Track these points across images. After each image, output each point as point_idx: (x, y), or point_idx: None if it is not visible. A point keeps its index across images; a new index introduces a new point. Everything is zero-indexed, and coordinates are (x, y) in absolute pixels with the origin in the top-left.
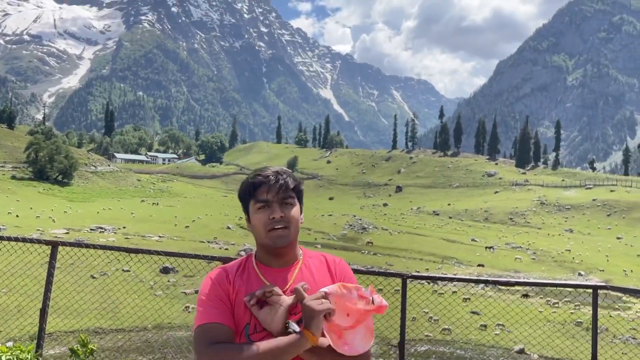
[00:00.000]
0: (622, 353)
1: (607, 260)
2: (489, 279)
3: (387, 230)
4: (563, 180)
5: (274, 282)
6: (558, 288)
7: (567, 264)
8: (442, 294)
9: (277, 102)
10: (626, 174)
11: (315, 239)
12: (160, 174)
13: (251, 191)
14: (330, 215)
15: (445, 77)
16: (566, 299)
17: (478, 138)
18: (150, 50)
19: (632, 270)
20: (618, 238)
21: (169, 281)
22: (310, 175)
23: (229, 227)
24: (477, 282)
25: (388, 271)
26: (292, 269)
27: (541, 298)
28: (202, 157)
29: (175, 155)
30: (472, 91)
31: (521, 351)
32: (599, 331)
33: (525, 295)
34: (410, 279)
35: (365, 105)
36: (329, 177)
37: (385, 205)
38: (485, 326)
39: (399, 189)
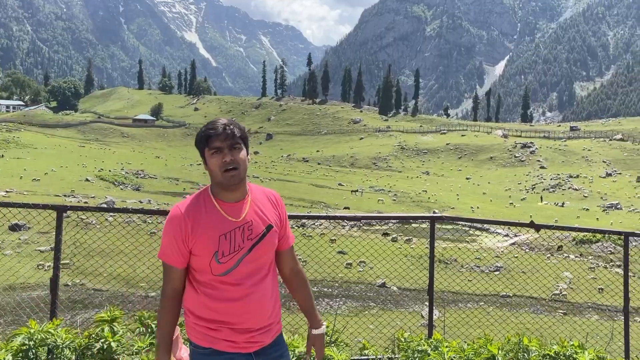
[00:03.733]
0: (468, 280)
1: (458, 198)
2: (347, 215)
3: (257, 177)
4: (421, 126)
5: (230, 214)
6: (413, 225)
7: (424, 204)
8: (311, 237)
9: (138, 45)
10: (475, 119)
11: (184, 189)
12: (4, 122)
13: (204, 140)
14: (200, 164)
15: (313, 24)
16: (422, 235)
17: (344, 86)
18: None
19: (478, 207)
20: (467, 178)
21: (19, 239)
22: (176, 123)
23: (87, 180)
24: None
25: None
26: (244, 203)
27: (400, 235)
28: (54, 104)
29: (21, 102)
30: (339, 39)
31: (382, 285)
32: (448, 262)
33: (386, 234)
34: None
35: (233, 51)
36: (197, 125)
37: (256, 153)
38: (350, 264)
39: (269, 136)
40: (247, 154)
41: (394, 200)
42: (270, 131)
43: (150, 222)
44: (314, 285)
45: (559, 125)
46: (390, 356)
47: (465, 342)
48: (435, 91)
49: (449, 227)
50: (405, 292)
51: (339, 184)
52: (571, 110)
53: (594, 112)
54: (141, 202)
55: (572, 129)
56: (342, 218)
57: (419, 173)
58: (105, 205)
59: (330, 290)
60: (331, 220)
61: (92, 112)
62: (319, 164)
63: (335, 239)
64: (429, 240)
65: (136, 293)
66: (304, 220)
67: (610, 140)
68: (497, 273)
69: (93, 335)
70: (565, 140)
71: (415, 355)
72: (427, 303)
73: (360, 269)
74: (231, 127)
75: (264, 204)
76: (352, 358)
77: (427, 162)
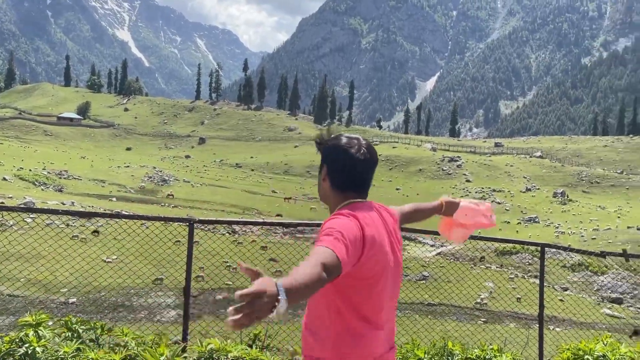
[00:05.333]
0: None
1: None
2: (275, 221)
3: (189, 182)
4: None
5: None
6: None
7: None
8: (241, 243)
9: (65, 40)
10: (406, 132)
11: (110, 191)
12: None
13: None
14: (128, 166)
15: (250, 30)
16: None
17: (280, 93)
18: None
19: None
20: (397, 189)
21: None
22: (105, 123)
23: (5, 179)
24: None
25: (176, 217)
26: None
27: None
28: None
29: None
30: (276, 46)
31: None
32: None
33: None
34: (198, 224)
35: (167, 52)
36: (127, 126)
37: (187, 157)
38: (280, 272)
39: (202, 140)
40: (324, 174)
41: (326, 208)
42: (204, 135)
43: (74, 225)
44: None
45: (485, 141)
46: None
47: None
48: (369, 103)
49: None
50: None
51: (273, 191)
52: (496, 127)
53: (517, 129)
54: (64, 204)
55: (496, 145)
56: (275, 224)
57: None
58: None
59: None
60: (263, 227)
61: (13, 107)
62: (252, 170)
63: (266, 246)
64: None
65: (56, 299)
66: (235, 227)
67: (531, 157)
68: (423, 282)
69: (16, 340)
70: (490, 156)
71: None
72: None
73: None
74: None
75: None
76: None
77: None
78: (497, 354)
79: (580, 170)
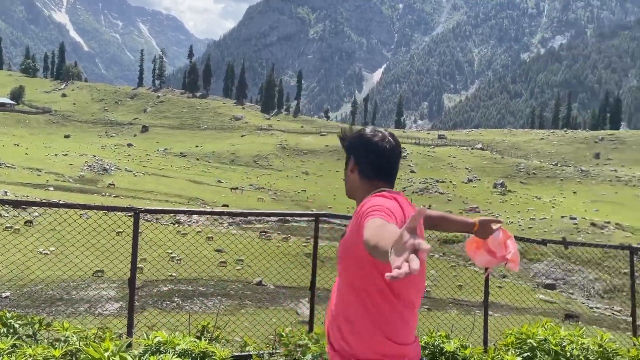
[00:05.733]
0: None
1: (335, 198)
2: (224, 210)
3: (131, 171)
4: (302, 127)
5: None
6: (295, 223)
7: (303, 203)
8: (186, 234)
9: None
10: (353, 123)
11: (47, 180)
12: None
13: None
14: (66, 155)
15: (195, 16)
16: (300, 234)
17: (227, 82)
18: None
19: (353, 207)
20: (343, 179)
21: None
22: (40, 109)
23: None
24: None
25: (121, 206)
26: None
27: (278, 234)
28: None
29: None
30: (222, 33)
31: (259, 283)
32: (324, 260)
33: (264, 232)
34: (144, 214)
35: (108, 36)
36: (65, 112)
37: (129, 145)
38: (226, 262)
39: (144, 128)
40: (352, 165)
41: (274, 198)
42: (147, 123)
43: (7, 215)
44: (188, 283)
45: (429, 133)
46: (271, 351)
47: None
48: (317, 93)
49: (326, 225)
50: (281, 289)
51: (219, 181)
52: (440, 119)
53: (460, 122)
54: None
55: (439, 137)
56: (221, 214)
57: (298, 173)
58: None
59: (205, 289)
60: (209, 217)
61: None
62: (197, 159)
63: (212, 237)
64: (306, 238)
65: None
66: (179, 217)
67: (472, 149)
68: None
69: None
70: (433, 147)
71: (297, 350)
72: (302, 300)
73: (238, 267)
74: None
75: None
76: (233, 354)
77: (307, 163)
78: (445, 340)
79: (518, 162)
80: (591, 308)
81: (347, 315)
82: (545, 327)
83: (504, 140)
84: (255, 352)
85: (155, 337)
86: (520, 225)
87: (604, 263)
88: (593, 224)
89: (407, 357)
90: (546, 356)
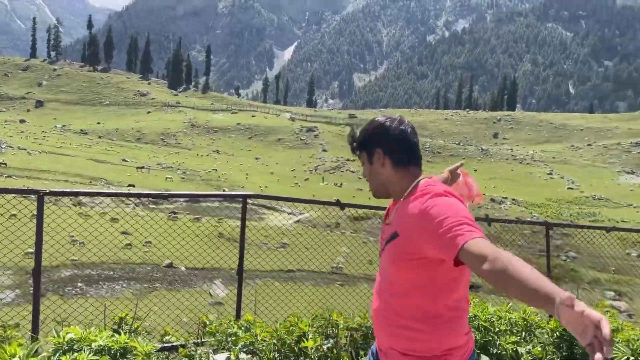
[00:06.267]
0: (256, 257)
1: (247, 177)
2: (133, 192)
3: (25, 149)
4: (212, 103)
5: (386, 214)
6: (207, 203)
7: (214, 182)
8: (89, 216)
9: None
10: (265, 101)
11: None
12: None
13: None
14: None
15: None
16: (210, 214)
17: (130, 55)
18: None
19: (266, 186)
20: (256, 158)
21: None
22: None
23: None
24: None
25: (22, 188)
26: (395, 205)
27: (188, 214)
28: None
29: None
30: (124, 4)
31: (169, 265)
32: (237, 240)
33: (173, 213)
34: (48, 196)
35: None
36: None
37: (22, 121)
38: (132, 245)
39: (39, 103)
40: (381, 158)
41: (183, 178)
42: (41, 98)
43: None
44: (92, 268)
45: (340, 112)
46: (196, 341)
47: (277, 322)
48: (227, 70)
49: (239, 205)
50: (193, 271)
51: (123, 160)
52: (350, 99)
53: (369, 102)
54: None
55: (350, 116)
56: (139, 195)
57: (209, 151)
58: None
59: (112, 273)
60: (113, 198)
61: None
62: (99, 137)
63: (117, 219)
64: (219, 218)
65: None
66: (80, 198)
67: None
68: (283, 249)
69: None
70: (344, 126)
71: (227, 339)
72: (215, 282)
73: (146, 250)
74: (349, 137)
75: (408, 210)
76: (157, 348)
77: (217, 141)
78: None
79: (425, 141)
80: None
81: (413, 314)
82: (473, 303)
83: (411, 119)
84: (180, 343)
85: (68, 333)
86: None
87: (502, 237)
88: (492, 200)
89: (470, 346)
90: (476, 332)
